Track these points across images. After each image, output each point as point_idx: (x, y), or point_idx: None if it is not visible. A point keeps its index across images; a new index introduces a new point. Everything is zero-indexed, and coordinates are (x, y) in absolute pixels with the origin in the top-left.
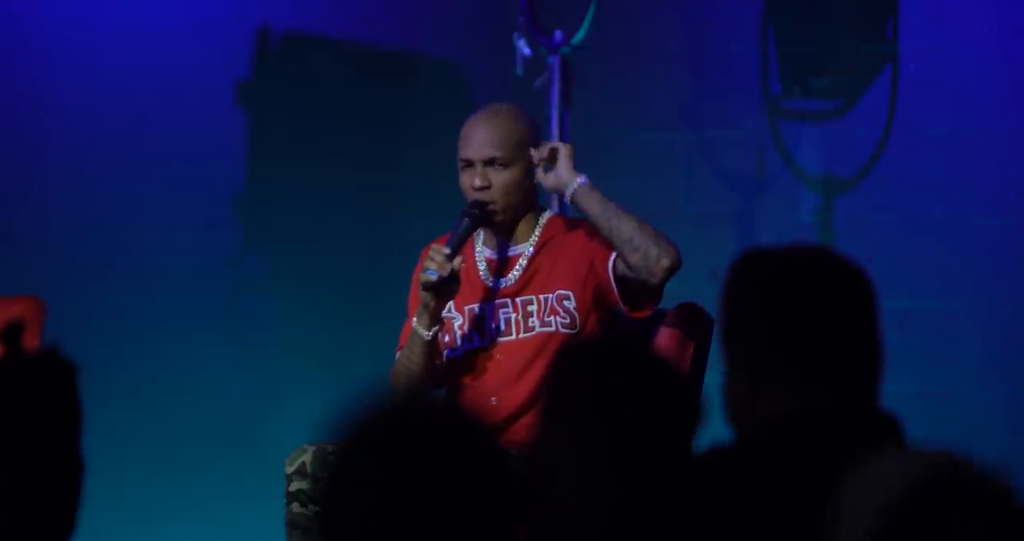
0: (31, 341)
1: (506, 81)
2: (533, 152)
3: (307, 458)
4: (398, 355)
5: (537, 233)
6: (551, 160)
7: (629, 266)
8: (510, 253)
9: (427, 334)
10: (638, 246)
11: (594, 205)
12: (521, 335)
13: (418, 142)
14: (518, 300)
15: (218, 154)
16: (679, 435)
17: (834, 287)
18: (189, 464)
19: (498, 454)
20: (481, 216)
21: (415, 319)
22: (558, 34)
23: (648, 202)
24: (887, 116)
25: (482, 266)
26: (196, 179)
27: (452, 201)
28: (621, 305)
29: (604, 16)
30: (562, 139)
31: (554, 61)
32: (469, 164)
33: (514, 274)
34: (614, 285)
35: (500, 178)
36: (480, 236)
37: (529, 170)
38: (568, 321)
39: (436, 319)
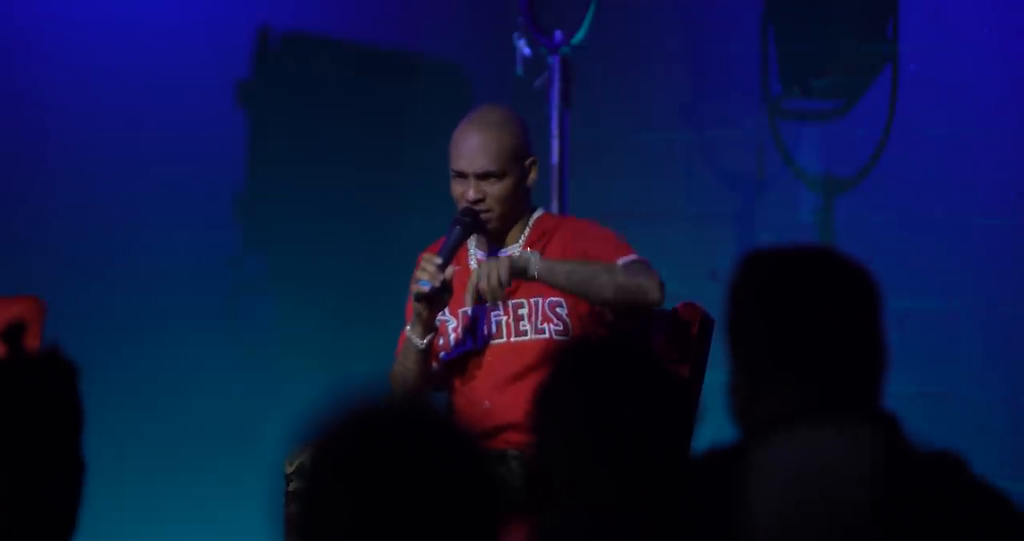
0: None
1: (506, 81)
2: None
3: (307, 458)
4: (396, 360)
5: (525, 233)
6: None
7: (624, 313)
8: (500, 255)
9: (421, 343)
10: (621, 296)
11: (562, 278)
12: (513, 339)
13: (418, 142)
14: (509, 303)
15: (218, 154)
16: (677, 435)
17: (837, 288)
18: (189, 464)
19: (478, 456)
20: (473, 224)
21: (409, 327)
22: (558, 34)
23: (648, 202)
24: (887, 116)
25: (474, 268)
26: (196, 179)
27: (452, 201)
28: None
29: (604, 16)
30: (562, 139)
31: (554, 61)
32: (462, 175)
33: None
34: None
35: (495, 189)
36: (473, 238)
37: (523, 177)
38: (561, 328)
39: (430, 328)
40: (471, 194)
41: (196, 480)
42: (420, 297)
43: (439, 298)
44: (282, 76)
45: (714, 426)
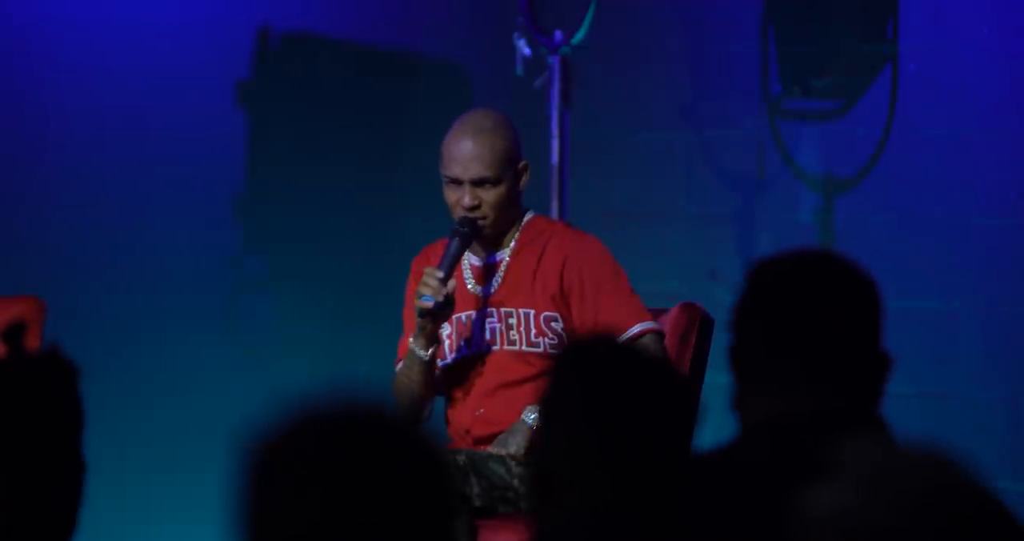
0: (31, 341)
1: (506, 81)
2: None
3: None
4: (398, 369)
5: (516, 236)
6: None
7: None
8: (492, 259)
9: (425, 355)
10: None
11: None
12: (505, 347)
13: (418, 142)
14: (502, 311)
15: (218, 154)
16: (677, 435)
17: (839, 292)
18: (189, 464)
19: (434, 459)
20: (471, 233)
21: (412, 340)
22: (558, 34)
23: (648, 202)
24: (887, 116)
25: (468, 274)
26: (196, 179)
27: None
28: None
29: (604, 16)
30: (562, 139)
31: (554, 61)
32: (457, 182)
33: (496, 280)
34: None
35: (490, 196)
36: None
37: (516, 182)
38: (556, 342)
39: (433, 340)
40: (467, 201)
41: (196, 480)
42: (424, 312)
43: (442, 312)
44: (282, 76)
45: (714, 426)
